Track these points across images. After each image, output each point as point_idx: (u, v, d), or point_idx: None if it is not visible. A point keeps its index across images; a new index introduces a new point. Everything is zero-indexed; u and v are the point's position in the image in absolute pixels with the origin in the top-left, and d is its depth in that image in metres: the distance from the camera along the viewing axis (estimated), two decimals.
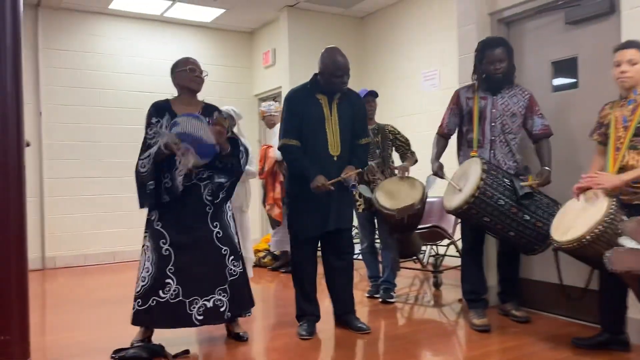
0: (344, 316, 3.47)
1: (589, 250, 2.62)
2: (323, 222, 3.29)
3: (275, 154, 5.16)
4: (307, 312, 3.41)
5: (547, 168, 3.33)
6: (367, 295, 4.36)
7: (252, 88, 7.86)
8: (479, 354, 3.00)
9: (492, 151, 3.42)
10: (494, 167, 3.27)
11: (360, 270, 4.57)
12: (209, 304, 2.98)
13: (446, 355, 3.10)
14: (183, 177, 2.93)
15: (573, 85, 3.60)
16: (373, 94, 4.30)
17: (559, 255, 3.00)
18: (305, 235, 3.34)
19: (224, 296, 3.03)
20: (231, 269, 3.08)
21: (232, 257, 3.10)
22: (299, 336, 3.31)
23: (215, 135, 2.95)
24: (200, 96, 3.29)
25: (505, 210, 3.15)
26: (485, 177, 3.12)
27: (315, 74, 3.35)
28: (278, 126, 5.36)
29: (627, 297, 2.93)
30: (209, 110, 3.19)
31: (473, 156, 3.40)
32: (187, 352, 3.02)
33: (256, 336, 3.45)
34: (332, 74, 3.22)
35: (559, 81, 3.74)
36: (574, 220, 2.78)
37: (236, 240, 3.19)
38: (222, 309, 3.01)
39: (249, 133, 5.70)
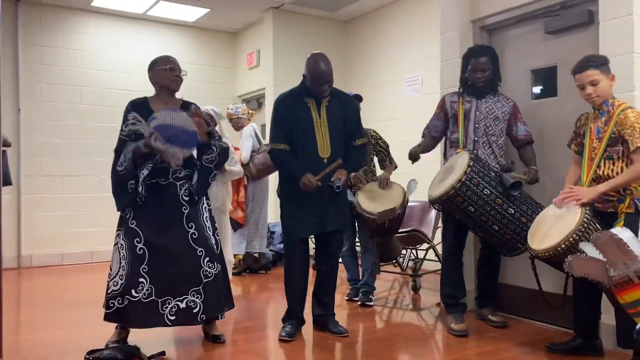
0: (323, 319, 3.47)
1: (564, 258, 2.64)
2: (319, 223, 3.30)
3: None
4: (294, 314, 3.41)
5: (534, 167, 3.42)
6: (346, 298, 4.37)
7: (235, 89, 7.84)
8: (455, 359, 3.02)
9: (474, 151, 3.47)
10: (481, 159, 3.33)
11: (340, 273, 4.59)
12: (182, 305, 2.96)
13: (424, 359, 3.12)
14: (170, 170, 2.92)
15: (552, 94, 3.66)
16: (357, 98, 4.31)
17: (537, 261, 3.04)
18: (297, 236, 3.35)
19: (197, 297, 3.00)
20: (206, 271, 3.05)
21: (207, 259, 3.07)
22: (279, 338, 3.31)
23: (196, 125, 2.95)
24: (182, 96, 3.27)
25: (490, 201, 3.19)
26: (473, 164, 3.18)
27: (303, 80, 3.36)
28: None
29: (601, 304, 2.98)
30: (187, 108, 3.16)
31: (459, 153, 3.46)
32: (162, 353, 2.99)
33: (234, 338, 3.44)
34: (312, 81, 3.25)
35: (538, 89, 3.80)
36: (550, 229, 2.82)
37: (213, 241, 3.16)
38: (195, 310, 2.98)
39: (235, 135, 5.66)
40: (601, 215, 2.77)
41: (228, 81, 7.78)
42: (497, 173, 3.28)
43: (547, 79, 3.71)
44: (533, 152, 3.53)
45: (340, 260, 4.34)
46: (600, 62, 2.79)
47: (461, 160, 3.26)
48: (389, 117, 6.26)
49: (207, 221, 3.17)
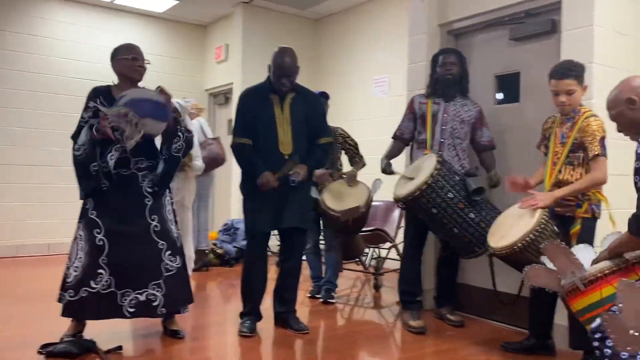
0: (285, 315, 3.47)
1: (520, 257, 2.73)
2: (275, 218, 3.29)
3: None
4: (252, 310, 3.39)
5: (495, 171, 3.51)
6: (308, 295, 4.38)
7: (203, 83, 7.75)
8: (413, 356, 3.07)
9: (440, 153, 3.52)
10: (447, 163, 3.38)
11: (303, 270, 4.59)
12: (142, 297, 2.92)
13: (382, 357, 3.15)
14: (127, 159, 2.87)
15: (514, 99, 3.74)
16: (325, 96, 4.32)
17: (494, 262, 3.12)
18: (256, 231, 3.34)
19: (157, 291, 2.96)
20: (167, 264, 3.02)
21: (169, 252, 3.03)
22: (239, 333, 3.29)
23: (164, 99, 2.93)
24: (145, 86, 3.20)
25: (453, 205, 3.24)
26: (440, 167, 3.22)
27: (269, 75, 3.36)
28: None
29: (555, 304, 3.07)
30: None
31: (426, 154, 3.51)
32: (119, 348, 2.94)
33: (193, 333, 3.40)
34: (274, 72, 3.27)
35: (501, 94, 3.89)
36: (509, 228, 2.90)
37: (175, 235, 3.12)
38: (154, 304, 2.95)
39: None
40: (560, 218, 2.85)
41: (195, 75, 7.69)
42: (462, 177, 3.33)
43: (510, 84, 3.79)
44: (494, 157, 3.61)
45: (304, 257, 4.35)
46: (580, 72, 2.84)
47: (429, 162, 3.31)
48: (357, 117, 6.30)
49: (169, 214, 3.13)
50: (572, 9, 3.20)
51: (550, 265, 2.21)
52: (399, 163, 3.79)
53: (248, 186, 3.36)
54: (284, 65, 3.24)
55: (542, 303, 3.05)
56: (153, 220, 3.01)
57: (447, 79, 3.58)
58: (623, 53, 3.27)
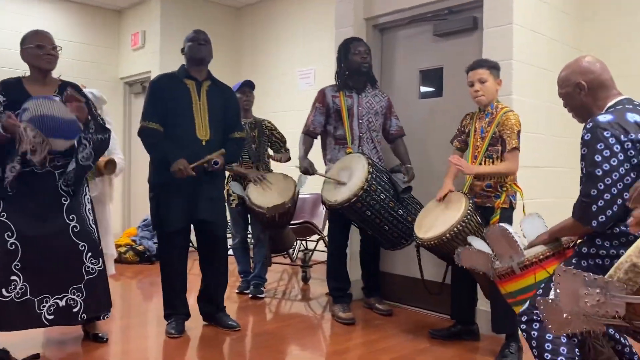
0: (214, 313, 3.38)
1: (447, 247, 2.84)
2: (191, 211, 3.15)
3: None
4: (176, 310, 3.27)
5: (409, 165, 3.58)
6: (237, 291, 4.30)
7: (118, 71, 7.37)
8: (344, 348, 3.10)
9: (360, 147, 3.56)
10: (376, 164, 3.40)
11: (230, 266, 4.51)
12: (61, 303, 2.73)
13: (313, 350, 3.16)
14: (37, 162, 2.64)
15: (438, 94, 3.86)
16: (250, 85, 4.24)
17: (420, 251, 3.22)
18: (172, 228, 3.17)
19: (78, 296, 2.78)
20: (88, 267, 2.84)
21: (90, 254, 2.85)
22: (167, 335, 3.17)
23: (74, 111, 2.69)
24: (60, 75, 2.98)
25: (385, 205, 3.28)
26: (372, 170, 3.23)
27: (183, 64, 3.27)
28: None
29: (476, 291, 3.22)
30: (64, 87, 2.89)
31: (350, 152, 3.50)
32: (37, 356, 2.74)
33: (117, 337, 3.24)
34: (190, 57, 3.19)
35: (425, 89, 3.99)
36: (435, 219, 2.99)
37: (96, 236, 2.94)
38: (75, 310, 2.77)
39: (115, 120, 5.31)
40: (480, 209, 2.98)
41: (111, 62, 7.29)
42: (388, 176, 3.37)
43: (434, 79, 3.90)
44: (405, 146, 3.68)
45: (231, 252, 4.27)
46: (491, 65, 2.99)
47: (359, 164, 3.29)
48: (281, 109, 6.24)
49: (89, 213, 2.94)
50: (492, 7, 3.32)
51: (481, 247, 2.29)
52: (314, 158, 3.74)
53: (158, 178, 3.18)
54: (198, 33, 3.21)
55: (463, 290, 3.20)
56: (72, 220, 2.82)
57: (364, 68, 3.56)
58: (538, 51, 3.46)
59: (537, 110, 3.43)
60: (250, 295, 4.18)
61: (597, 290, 1.26)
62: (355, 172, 3.29)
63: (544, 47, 3.51)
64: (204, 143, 3.14)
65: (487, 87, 2.96)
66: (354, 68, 3.56)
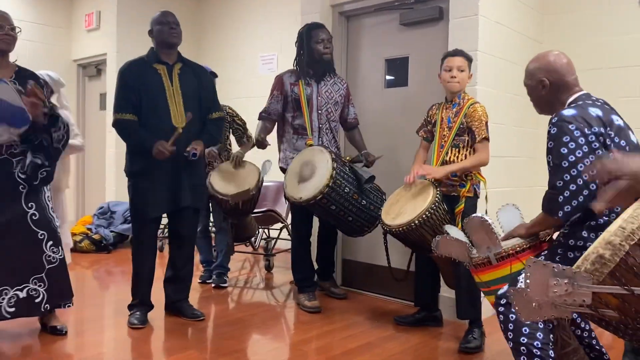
0: (177, 303, 3.32)
1: (414, 233, 2.88)
2: (172, 199, 3.10)
3: None
4: (142, 300, 3.19)
5: (367, 151, 3.58)
6: (199, 281, 4.22)
7: (71, 52, 7.09)
8: (309, 337, 3.10)
9: (320, 139, 3.55)
10: (339, 157, 3.39)
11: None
12: (22, 294, 2.64)
13: (278, 339, 3.15)
14: None
15: (403, 83, 3.87)
16: (213, 75, 4.15)
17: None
18: (153, 215, 3.13)
19: (40, 286, 2.69)
20: (49, 256, 2.75)
21: (50, 242, 2.76)
22: (130, 325, 3.10)
23: (28, 106, 2.57)
24: (17, 59, 2.84)
25: (349, 197, 3.26)
26: (336, 166, 3.21)
27: (152, 47, 3.15)
28: None
29: (439, 279, 3.28)
30: (23, 75, 2.77)
31: (310, 144, 3.47)
32: None
33: (76, 329, 3.13)
34: (159, 40, 3.09)
35: (391, 78, 4.00)
36: (403, 206, 3.01)
37: (55, 224, 2.84)
38: (37, 300, 2.68)
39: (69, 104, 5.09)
40: (446, 198, 3.02)
41: (62, 43, 7.00)
42: (350, 167, 3.35)
43: (399, 68, 3.92)
44: (360, 133, 3.72)
45: None
46: (469, 57, 3.05)
47: (322, 160, 3.25)
48: (243, 95, 6.15)
49: (49, 201, 2.83)
50: None
51: (456, 235, 2.33)
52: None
53: (136, 166, 3.11)
54: (166, 15, 3.11)
55: (427, 277, 3.25)
56: (30, 208, 2.71)
57: (326, 58, 3.52)
58: (502, 43, 3.52)
59: (499, 101, 3.50)
60: (213, 285, 4.12)
61: (566, 281, 1.32)
62: (319, 168, 3.24)
63: (508, 39, 3.58)
64: (180, 130, 3.05)
65: (462, 76, 3.00)
66: (315, 57, 3.51)
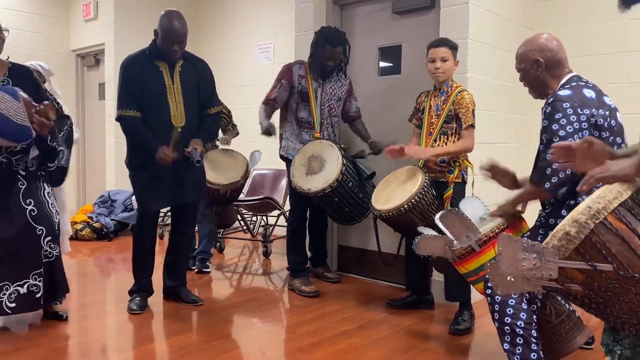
0: (176, 289, 3.40)
1: (404, 218, 2.95)
2: (175, 194, 3.18)
3: None
4: (142, 287, 3.29)
5: (372, 140, 3.67)
6: None
7: (69, 43, 7.12)
8: (305, 320, 3.18)
9: (321, 133, 3.63)
10: (345, 152, 3.51)
11: None
12: (23, 290, 2.70)
13: (275, 322, 3.23)
14: None
15: (396, 71, 3.92)
16: None
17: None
18: (157, 208, 3.24)
19: (39, 281, 2.75)
20: (47, 251, 2.81)
21: (48, 238, 2.81)
22: (129, 311, 3.19)
23: (37, 124, 2.58)
24: (8, 56, 2.87)
25: (350, 191, 3.42)
26: (345, 162, 3.36)
27: (154, 40, 3.15)
28: None
29: (429, 262, 3.35)
30: (17, 73, 2.79)
31: (317, 137, 3.58)
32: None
33: (77, 314, 3.21)
34: (164, 38, 3.06)
35: (384, 66, 4.05)
36: (393, 192, 3.09)
37: (54, 219, 2.88)
38: (37, 295, 2.74)
39: (66, 95, 5.16)
40: (434, 184, 3.09)
41: (61, 34, 7.03)
42: (354, 163, 3.49)
43: (392, 56, 3.96)
44: (363, 125, 3.81)
45: None
46: (453, 46, 3.07)
47: (332, 155, 3.38)
48: (240, 84, 6.20)
49: (49, 197, 2.89)
50: None
51: (429, 233, 2.40)
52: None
53: (137, 160, 3.17)
54: (174, 31, 3.02)
55: (418, 261, 3.31)
56: (29, 204, 2.76)
57: (328, 68, 3.61)
58: (491, 30, 3.56)
59: (490, 88, 3.55)
60: (196, 271, 4.20)
61: (534, 255, 1.40)
62: (328, 162, 3.39)
63: (498, 26, 3.62)
64: (179, 130, 3.11)
65: (447, 66, 3.04)
66: (322, 66, 3.60)
